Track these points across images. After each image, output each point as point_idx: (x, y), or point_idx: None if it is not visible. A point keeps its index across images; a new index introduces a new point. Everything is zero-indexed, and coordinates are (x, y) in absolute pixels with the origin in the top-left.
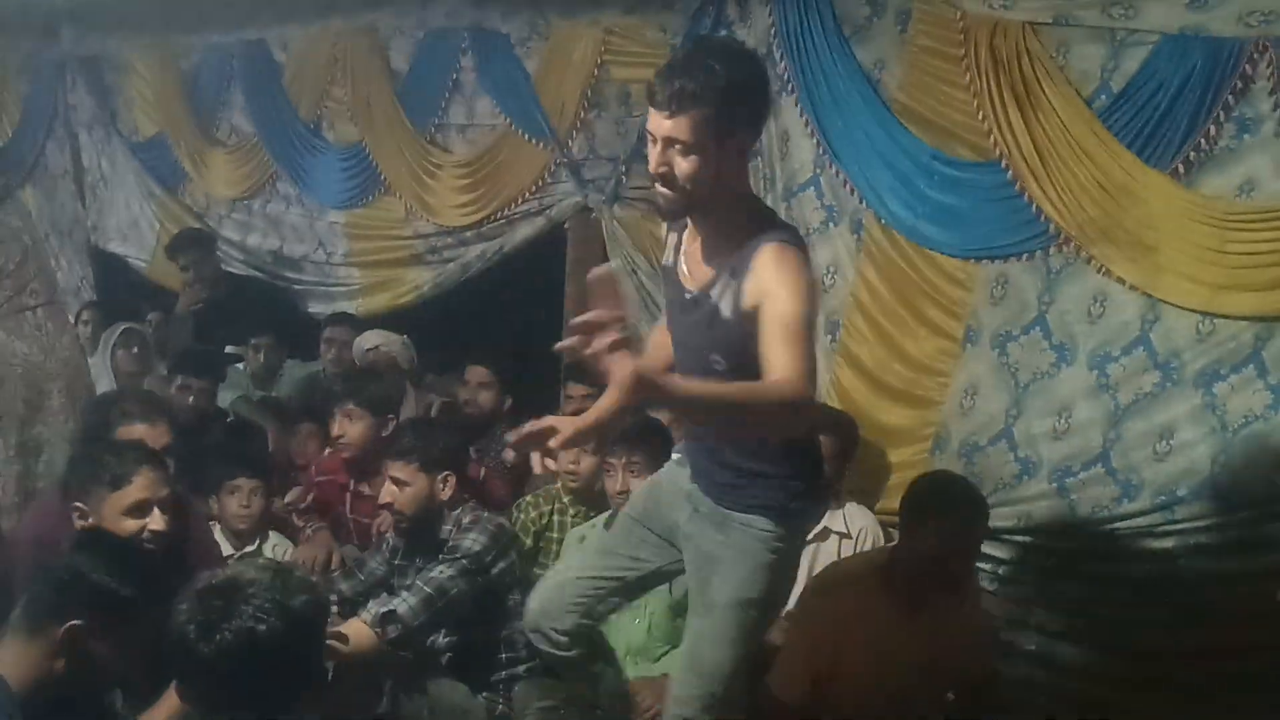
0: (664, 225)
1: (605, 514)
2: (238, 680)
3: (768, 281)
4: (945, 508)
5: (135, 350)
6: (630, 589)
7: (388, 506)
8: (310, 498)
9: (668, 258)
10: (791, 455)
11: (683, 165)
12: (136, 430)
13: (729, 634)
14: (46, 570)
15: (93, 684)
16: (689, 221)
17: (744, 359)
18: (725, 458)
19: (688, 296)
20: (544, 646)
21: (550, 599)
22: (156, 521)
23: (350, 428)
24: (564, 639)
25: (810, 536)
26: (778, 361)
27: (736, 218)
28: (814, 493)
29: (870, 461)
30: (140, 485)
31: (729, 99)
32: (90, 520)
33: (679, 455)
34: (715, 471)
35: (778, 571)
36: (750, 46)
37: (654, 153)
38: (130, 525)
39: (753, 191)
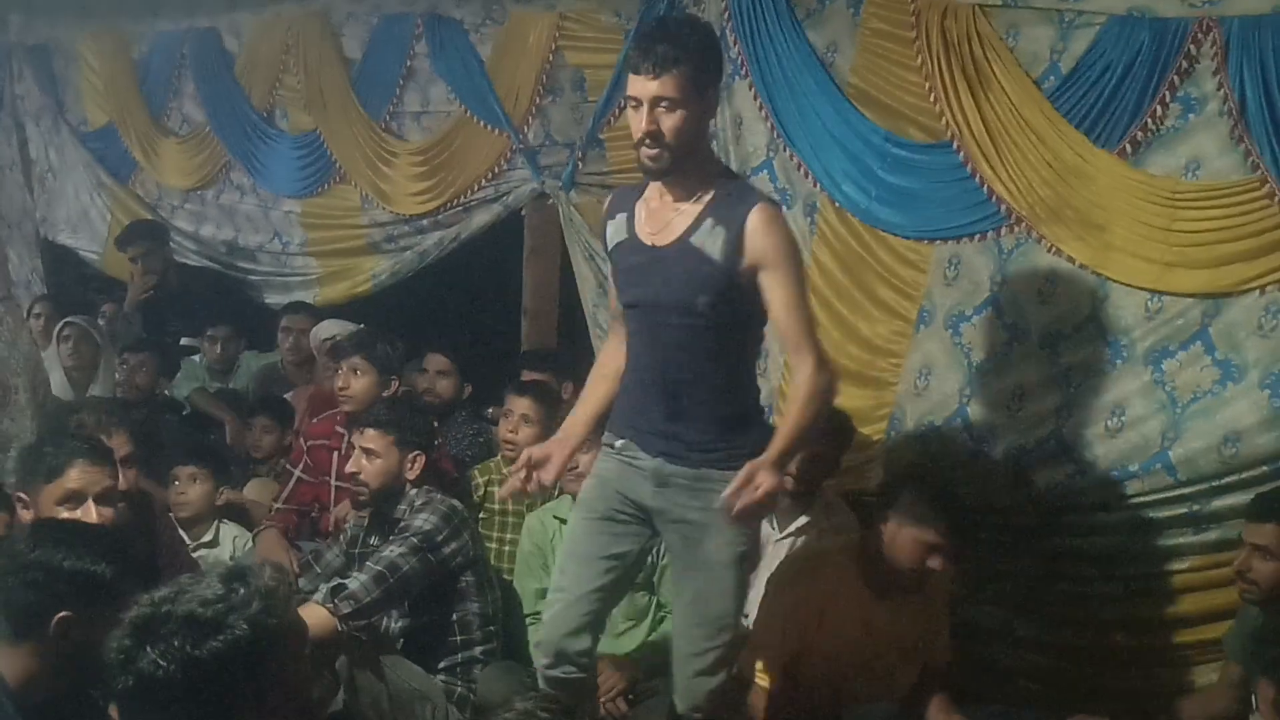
0: (603, 226)
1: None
2: (181, 705)
3: (768, 250)
4: (934, 521)
5: (73, 344)
6: (623, 584)
7: (353, 476)
8: (303, 464)
9: (617, 237)
10: (745, 402)
11: (669, 121)
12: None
13: (732, 587)
14: (9, 572)
15: (93, 674)
16: (643, 192)
17: (730, 294)
18: (690, 417)
19: (660, 250)
20: (565, 673)
21: (561, 622)
22: (90, 514)
23: (355, 382)
24: (585, 659)
25: (792, 530)
26: (805, 353)
27: (707, 166)
28: (764, 424)
29: None
30: (74, 476)
31: (703, 56)
32: (30, 512)
33: (623, 442)
34: (685, 433)
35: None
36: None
37: (641, 115)
38: (64, 515)
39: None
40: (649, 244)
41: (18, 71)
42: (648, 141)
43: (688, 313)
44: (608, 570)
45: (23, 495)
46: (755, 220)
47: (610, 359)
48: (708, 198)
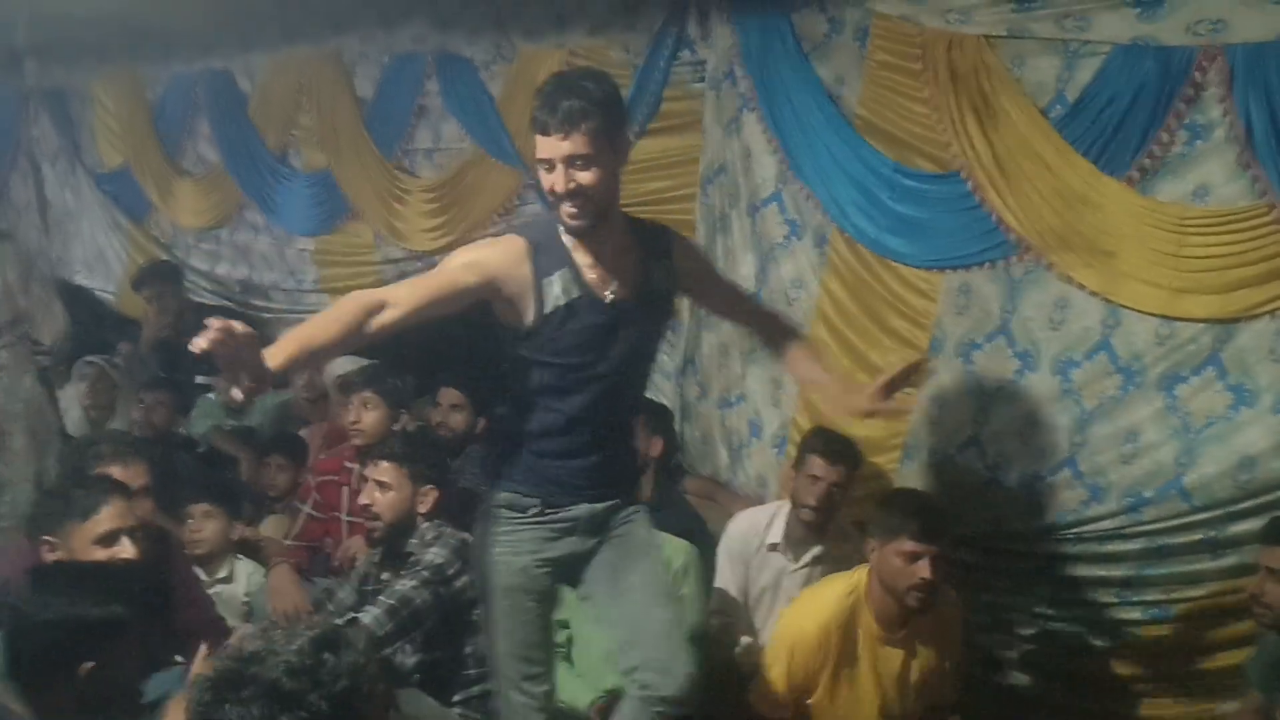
0: (533, 281)
1: None
2: None
3: (696, 255)
4: (902, 526)
5: (89, 383)
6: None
7: (366, 508)
8: (311, 500)
9: (567, 295)
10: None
11: (587, 177)
12: (112, 471)
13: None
14: (21, 628)
15: (119, 708)
16: (571, 250)
17: (658, 330)
18: (614, 462)
19: (622, 304)
20: None
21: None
22: (126, 550)
23: (366, 415)
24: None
25: (808, 560)
26: (779, 319)
27: (620, 218)
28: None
29: None
30: (109, 515)
31: (607, 108)
32: (57, 555)
33: (536, 508)
34: (608, 479)
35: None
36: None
37: (556, 176)
38: (101, 555)
39: None
40: (606, 300)
41: (34, 114)
42: (568, 201)
43: (633, 359)
44: (551, 622)
45: (50, 539)
46: (680, 243)
47: (353, 325)
48: (632, 236)
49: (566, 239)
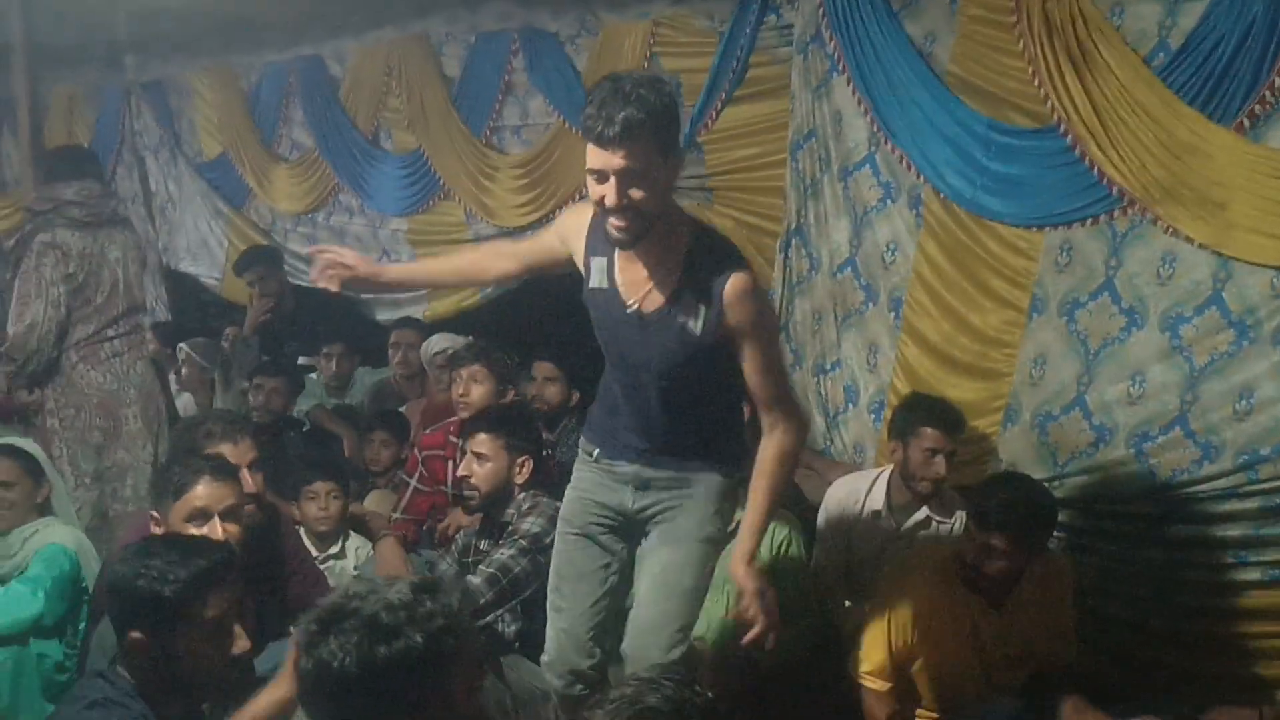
0: (584, 254)
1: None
2: (350, 696)
3: (744, 322)
4: (1007, 520)
5: (186, 367)
6: (617, 592)
7: (464, 480)
8: (418, 474)
9: (597, 282)
10: (723, 413)
11: (639, 193)
12: (222, 450)
13: (700, 561)
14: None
15: (185, 688)
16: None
17: (713, 356)
18: (668, 439)
19: (634, 315)
20: (579, 692)
21: (568, 641)
22: (215, 530)
23: (474, 389)
24: (596, 673)
25: (912, 524)
26: (776, 415)
27: (678, 232)
28: (743, 439)
29: None
30: (200, 494)
31: (665, 121)
32: (161, 529)
33: (599, 451)
34: (663, 454)
35: (727, 515)
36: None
37: (608, 189)
38: (193, 532)
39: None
40: (631, 307)
41: (136, 108)
42: (617, 215)
43: (664, 375)
44: (602, 580)
45: (155, 514)
46: (731, 294)
47: (476, 268)
48: (681, 261)
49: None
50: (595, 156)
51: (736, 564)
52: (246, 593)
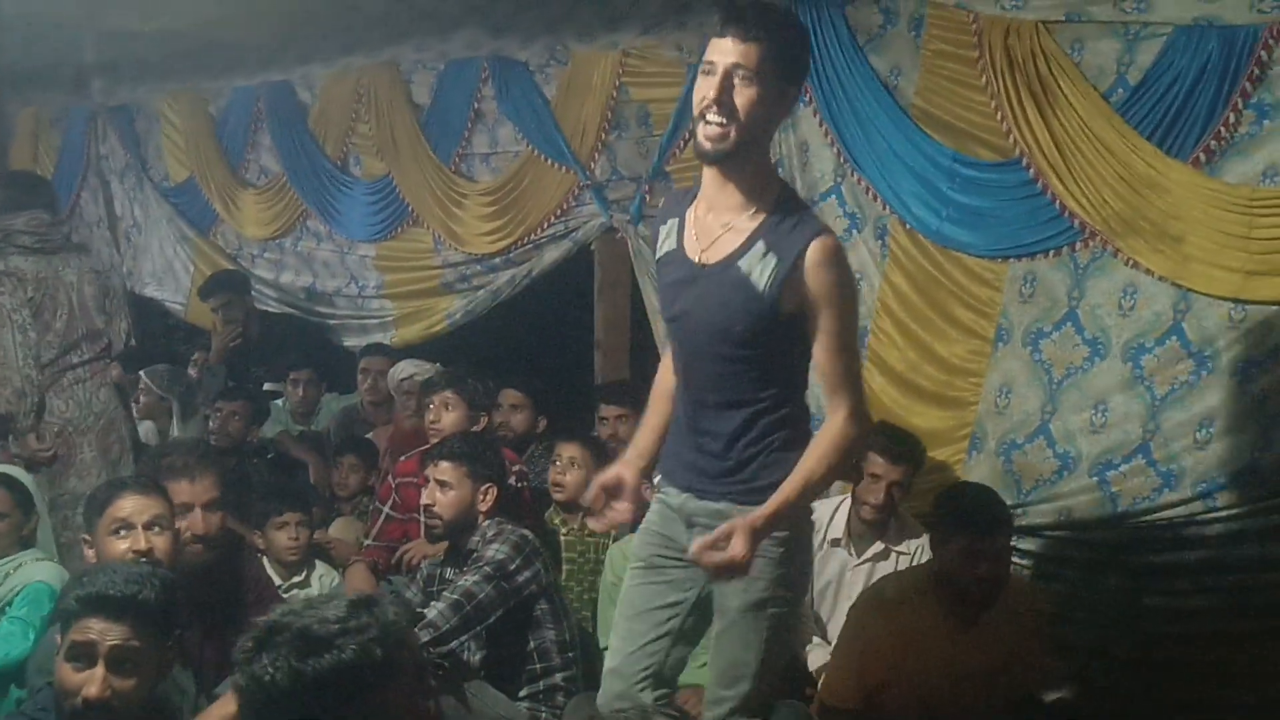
0: (655, 231)
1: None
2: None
3: (826, 286)
4: (962, 524)
5: (145, 395)
6: (687, 634)
7: (428, 508)
8: (391, 501)
9: (665, 247)
10: (780, 435)
11: (744, 94)
12: (181, 488)
13: (747, 637)
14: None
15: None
16: (694, 199)
17: (771, 326)
18: (715, 446)
19: (704, 268)
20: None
21: (616, 686)
22: (139, 541)
23: (446, 416)
24: (650, 713)
25: (870, 555)
26: (842, 399)
27: (768, 179)
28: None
29: None
30: (123, 505)
31: (793, 42)
32: (93, 551)
33: (659, 479)
34: (709, 464)
35: (784, 564)
36: None
37: (713, 81)
38: (119, 546)
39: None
40: (694, 260)
41: (102, 132)
42: (713, 111)
43: (724, 339)
44: (662, 622)
45: (86, 536)
46: (816, 253)
47: (666, 377)
48: (762, 216)
49: (694, 192)
50: (713, 48)
51: (740, 520)
52: (192, 623)
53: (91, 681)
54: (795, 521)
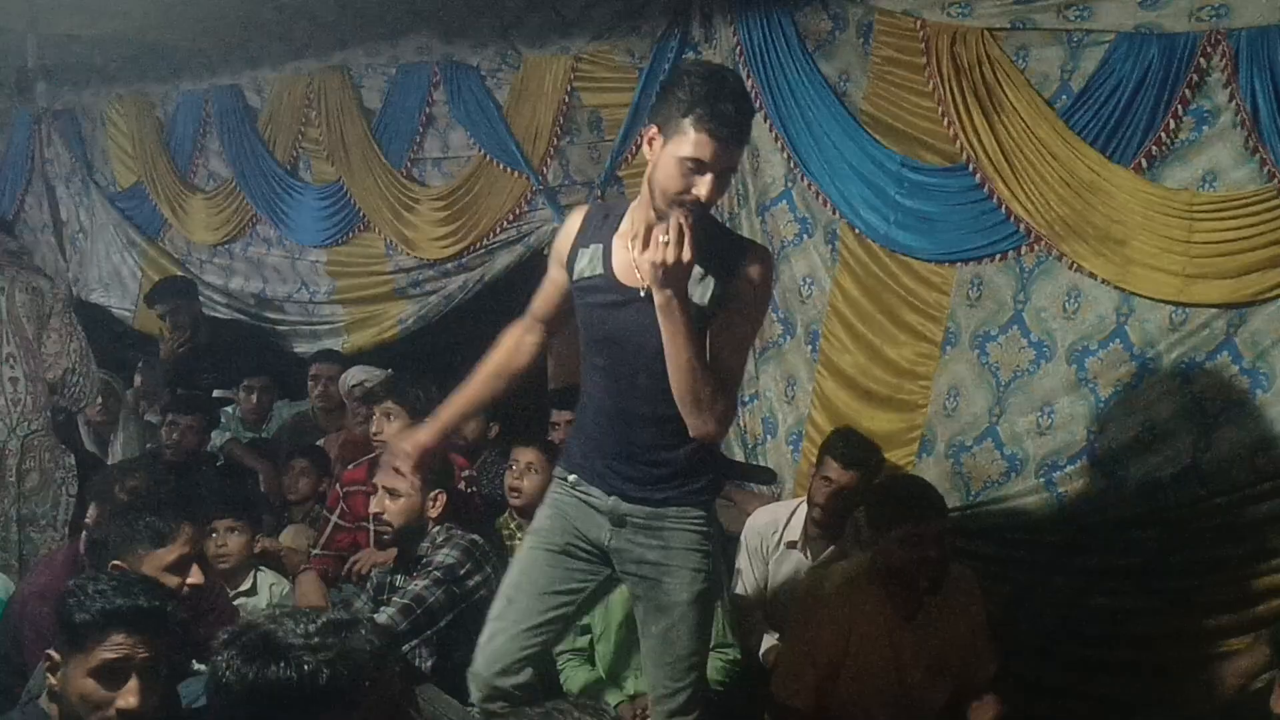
0: (570, 251)
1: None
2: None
3: (755, 296)
4: (901, 512)
5: (101, 399)
6: (572, 620)
7: (377, 516)
8: (339, 510)
9: (590, 270)
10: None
11: (720, 186)
12: (149, 560)
13: (696, 625)
14: None
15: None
16: (617, 224)
17: (704, 338)
18: (650, 456)
19: (638, 292)
20: (500, 708)
21: (498, 656)
22: (195, 575)
23: (388, 426)
24: (519, 693)
25: (824, 559)
26: (720, 399)
27: (705, 224)
28: (715, 466)
29: None
30: (182, 541)
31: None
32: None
33: (574, 477)
34: (641, 471)
35: (715, 554)
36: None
37: (704, 183)
38: (172, 581)
39: None
40: (627, 284)
41: (46, 136)
42: (698, 208)
43: (661, 357)
44: (558, 606)
45: (120, 563)
46: (755, 264)
47: (506, 357)
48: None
49: (616, 215)
50: (701, 146)
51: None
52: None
53: (130, 693)
54: (712, 512)
